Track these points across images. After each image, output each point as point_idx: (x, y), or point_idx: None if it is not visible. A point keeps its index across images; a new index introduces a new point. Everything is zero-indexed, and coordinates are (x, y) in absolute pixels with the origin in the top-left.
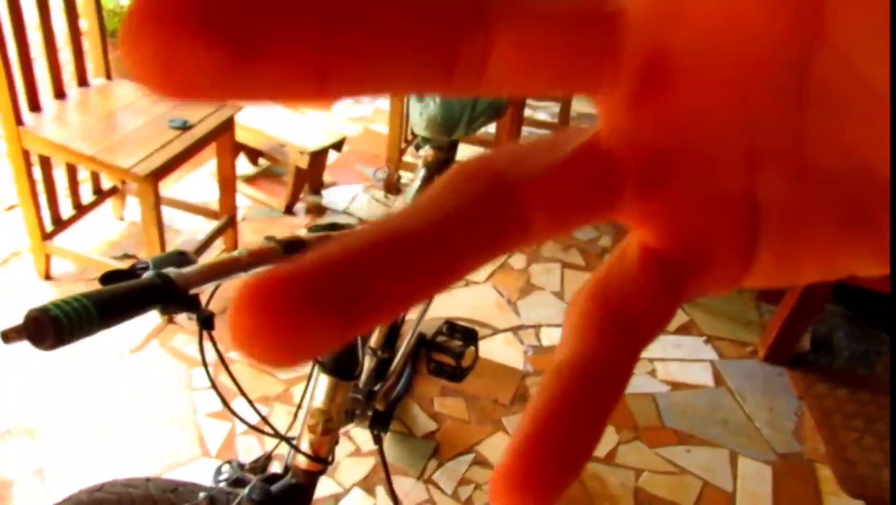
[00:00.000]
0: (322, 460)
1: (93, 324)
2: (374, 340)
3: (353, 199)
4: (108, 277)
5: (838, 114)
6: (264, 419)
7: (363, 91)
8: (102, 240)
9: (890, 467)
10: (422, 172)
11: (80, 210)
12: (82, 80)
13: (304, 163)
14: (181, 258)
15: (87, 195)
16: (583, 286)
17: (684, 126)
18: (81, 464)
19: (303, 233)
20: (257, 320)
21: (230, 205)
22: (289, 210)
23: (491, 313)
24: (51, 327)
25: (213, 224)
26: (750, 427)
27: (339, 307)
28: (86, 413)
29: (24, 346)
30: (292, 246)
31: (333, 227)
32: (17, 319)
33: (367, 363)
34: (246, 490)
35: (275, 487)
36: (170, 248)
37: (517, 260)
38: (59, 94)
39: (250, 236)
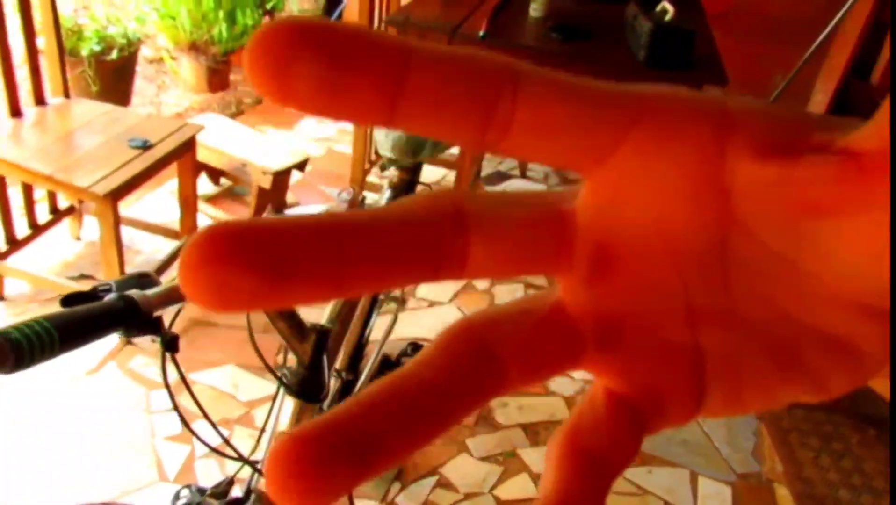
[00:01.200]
0: None
1: (54, 348)
2: (338, 362)
3: None
4: (70, 300)
5: (756, 276)
6: (227, 442)
7: (370, 290)
8: (59, 260)
9: (890, 474)
10: (387, 193)
11: (36, 230)
12: (39, 99)
13: (266, 183)
14: (144, 280)
15: (43, 215)
16: (559, 427)
17: (630, 295)
18: (35, 489)
19: None
20: (289, 475)
21: (191, 225)
22: None
23: None
24: (11, 352)
25: (173, 244)
26: (709, 447)
27: (355, 459)
28: (41, 436)
29: None
30: None
31: None
32: None
33: (332, 385)
34: None
35: None
36: (128, 268)
37: (481, 281)
38: (16, 112)
39: None
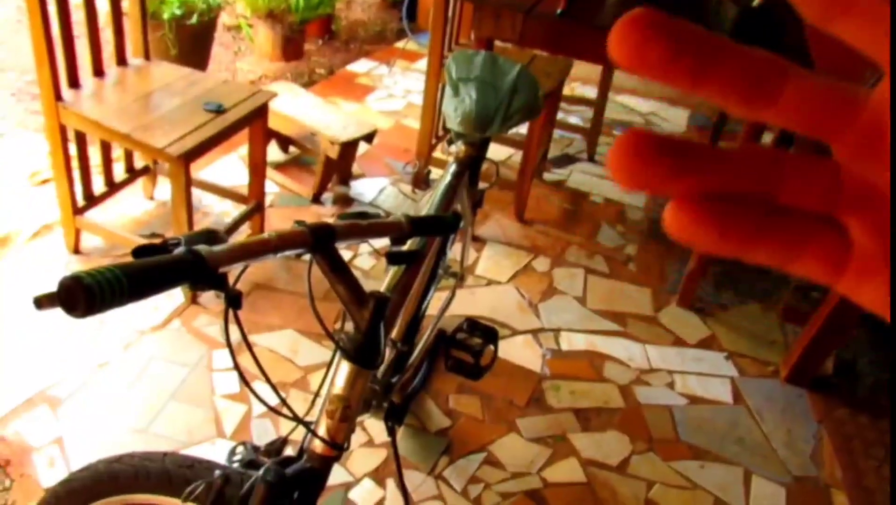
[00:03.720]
0: (338, 446)
1: (123, 295)
2: (394, 332)
3: (381, 191)
4: (141, 251)
5: None
6: (284, 402)
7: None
8: (131, 217)
9: (890, 475)
10: (452, 168)
11: (112, 188)
12: (121, 60)
13: (334, 153)
14: (212, 236)
15: (119, 173)
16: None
17: (873, 177)
18: (99, 436)
19: (336, 221)
20: (629, 157)
21: (259, 191)
22: (316, 199)
23: (512, 314)
24: (83, 295)
25: (241, 208)
26: (766, 447)
27: (676, 159)
28: (106, 386)
29: (50, 316)
30: (321, 231)
31: (362, 215)
32: (40, 290)
33: (387, 355)
34: (261, 472)
35: (289, 470)
36: (198, 229)
37: (541, 263)
38: (99, 72)
39: (277, 223)
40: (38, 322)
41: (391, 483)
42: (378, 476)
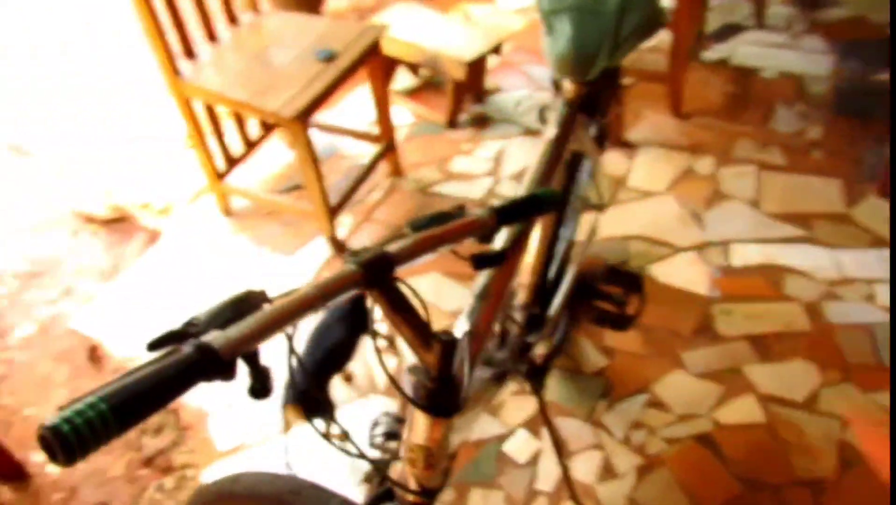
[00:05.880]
0: (429, 493)
1: (111, 432)
2: (520, 299)
3: (518, 104)
4: (156, 344)
5: None
6: (363, 456)
7: None
8: (273, 173)
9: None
10: (561, 111)
11: (250, 146)
12: (231, 18)
13: (461, 74)
14: (244, 306)
15: (255, 130)
16: None
17: None
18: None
19: (407, 231)
20: None
21: (387, 129)
22: (452, 124)
23: (671, 229)
24: (60, 448)
25: (375, 148)
26: None
27: None
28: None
29: (222, 277)
30: (374, 265)
31: (439, 218)
32: (203, 255)
33: (518, 318)
34: None
35: None
36: (335, 177)
37: (704, 164)
38: (211, 36)
39: (413, 157)
40: (209, 286)
41: (547, 432)
42: (533, 426)
